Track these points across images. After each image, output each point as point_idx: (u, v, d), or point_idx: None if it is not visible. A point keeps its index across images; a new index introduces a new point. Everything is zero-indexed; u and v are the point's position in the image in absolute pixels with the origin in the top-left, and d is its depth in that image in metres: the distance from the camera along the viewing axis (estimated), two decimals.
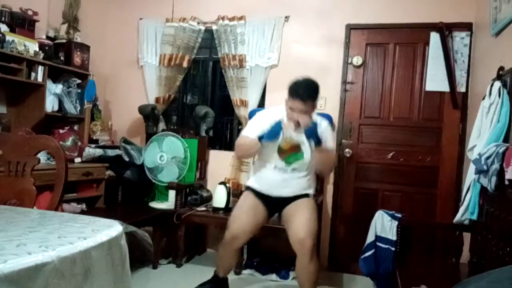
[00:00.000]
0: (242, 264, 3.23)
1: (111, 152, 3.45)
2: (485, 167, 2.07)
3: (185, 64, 3.78)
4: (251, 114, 3.53)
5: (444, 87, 3.19)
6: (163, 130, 3.72)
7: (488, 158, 2.07)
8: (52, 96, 3.28)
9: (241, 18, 3.60)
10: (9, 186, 1.97)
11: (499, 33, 2.52)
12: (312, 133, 2.30)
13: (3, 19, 2.94)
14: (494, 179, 2.00)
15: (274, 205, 2.50)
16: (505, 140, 2.15)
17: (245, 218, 2.47)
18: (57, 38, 3.45)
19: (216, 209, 3.28)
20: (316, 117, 2.45)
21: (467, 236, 2.50)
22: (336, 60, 3.46)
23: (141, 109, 3.72)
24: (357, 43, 3.44)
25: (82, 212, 3.06)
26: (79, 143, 3.41)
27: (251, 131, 2.48)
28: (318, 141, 2.30)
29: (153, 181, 3.56)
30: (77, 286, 1.16)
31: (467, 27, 3.16)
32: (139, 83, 3.96)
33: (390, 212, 2.65)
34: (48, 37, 3.36)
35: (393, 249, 2.51)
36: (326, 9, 3.49)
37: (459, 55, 3.19)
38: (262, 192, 2.51)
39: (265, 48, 3.56)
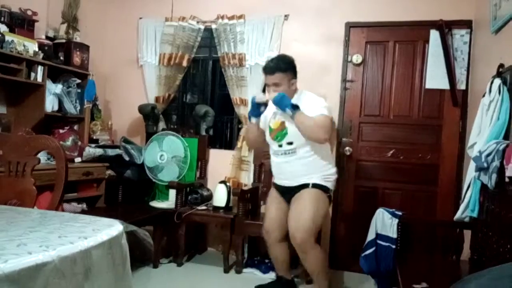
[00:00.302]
0: (243, 263, 3.23)
1: (111, 152, 3.45)
2: (485, 165, 2.07)
3: (184, 63, 3.78)
4: (250, 114, 3.53)
5: (444, 84, 3.19)
6: (163, 130, 3.72)
7: (488, 155, 2.07)
8: (52, 96, 3.29)
9: (240, 17, 3.60)
10: (9, 186, 1.98)
11: (499, 30, 2.51)
12: (282, 102, 2.34)
13: (2, 19, 2.95)
14: (494, 176, 2.00)
15: (286, 195, 2.56)
16: (505, 137, 2.15)
17: (270, 212, 2.66)
18: (56, 38, 3.45)
19: (217, 208, 3.29)
20: (301, 92, 2.54)
21: (467, 234, 2.50)
22: (336, 59, 3.45)
23: (141, 109, 3.72)
24: (356, 41, 3.43)
25: (83, 212, 3.06)
26: (79, 143, 3.41)
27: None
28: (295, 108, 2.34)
29: (154, 180, 3.56)
30: (78, 285, 1.16)
31: (466, 24, 3.16)
32: (139, 82, 3.96)
33: (391, 210, 2.65)
34: (47, 37, 3.36)
35: (393, 247, 2.51)
36: (326, 8, 3.49)
37: (459, 53, 3.18)
38: (276, 183, 2.64)
39: (264, 46, 3.55)
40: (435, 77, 3.23)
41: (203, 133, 3.71)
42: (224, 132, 4.03)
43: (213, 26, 3.70)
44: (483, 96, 2.43)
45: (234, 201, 3.27)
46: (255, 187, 3.47)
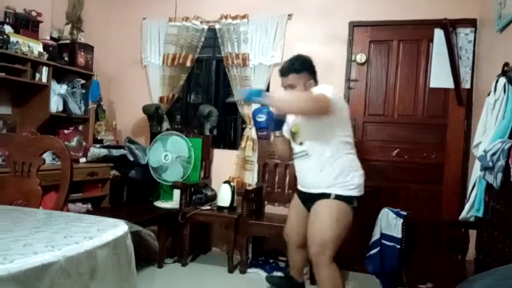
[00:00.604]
0: (247, 263, 3.23)
1: (115, 152, 3.46)
2: (490, 164, 2.06)
3: (188, 64, 3.79)
4: (255, 113, 3.53)
5: (449, 83, 3.17)
6: (167, 130, 3.73)
7: (493, 154, 2.05)
8: (57, 97, 3.30)
9: (244, 16, 3.60)
10: (15, 187, 1.99)
11: (504, 29, 2.50)
12: (250, 96, 2.19)
13: (7, 20, 2.96)
14: (499, 175, 1.98)
15: (307, 203, 2.37)
16: (511, 136, 2.14)
17: (290, 217, 2.53)
18: (61, 38, 3.46)
19: (221, 208, 3.29)
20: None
21: (472, 233, 2.49)
22: (340, 58, 3.45)
23: (145, 109, 3.73)
24: (360, 40, 3.43)
25: (88, 212, 3.07)
26: (84, 143, 3.43)
27: None
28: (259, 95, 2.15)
29: (158, 180, 3.57)
30: (84, 285, 1.17)
31: (471, 23, 3.14)
32: (143, 82, 3.97)
33: (395, 210, 2.65)
34: (52, 38, 3.37)
35: (398, 246, 2.50)
36: (329, 7, 3.49)
37: (463, 52, 3.17)
38: (298, 189, 2.48)
39: (268, 46, 3.55)
40: (440, 76, 3.22)
41: (207, 133, 3.72)
42: (228, 132, 4.04)
43: (217, 26, 3.71)
44: (488, 95, 2.42)
45: (238, 201, 3.27)
46: (259, 187, 3.47)
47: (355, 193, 2.22)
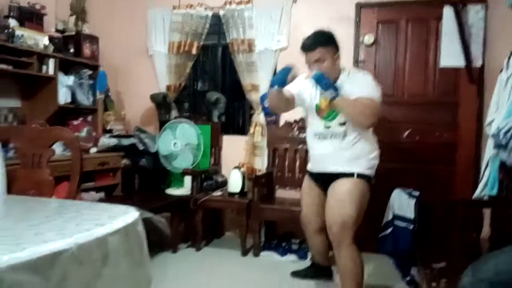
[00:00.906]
0: (260, 246, 3.25)
1: (125, 141, 3.48)
2: (504, 141, 2.02)
3: (194, 51, 3.76)
4: (263, 98, 3.52)
5: (460, 62, 3.10)
6: (175, 118, 3.73)
7: (507, 132, 2.02)
8: (65, 88, 3.32)
9: (248, 1, 3.55)
10: (27, 178, 2.01)
11: None
12: (321, 81, 2.11)
13: (12, 14, 2.96)
14: None
15: (324, 182, 2.34)
16: None
17: (305, 202, 2.52)
18: (66, 30, 3.47)
19: (232, 194, 3.30)
20: (349, 71, 2.32)
21: (487, 212, 2.46)
22: (347, 40, 3.38)
23: (153, 98, 3.73)
24: (367, 21, 3.36)
25: (101, 200, 3.11)
26: (94, 134, 3.45)
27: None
28: (336, 91, 2.12)
29: (168, 168, 3.59)
30: (96, 272, 1.17)
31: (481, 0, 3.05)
32: (150, 72, 3.96)
33: (408, 190, 2.62)
34: (57, 30, 3.38)
35: (411, 227, 2.49)
36: None
37: (474, 29, 3.08)
38: (312, 171, 2.44)
39: (273, 31, 3.51)
40: (450, 55, 3.15)
41: (216, 119, 3.71)
42: (236, 118, 4.03)
43: (221, 12, 3.66)
44: (501, 72, 2.36)
45: (249, 186, 3.27)
46: (270, 172, 3.47)
47: (373, 172, 2.27)
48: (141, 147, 3.47)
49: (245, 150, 3.65)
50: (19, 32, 2.90)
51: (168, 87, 3.83)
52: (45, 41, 3.11)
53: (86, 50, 3.47)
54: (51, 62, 3.15)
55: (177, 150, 3.54)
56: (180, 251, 3.27)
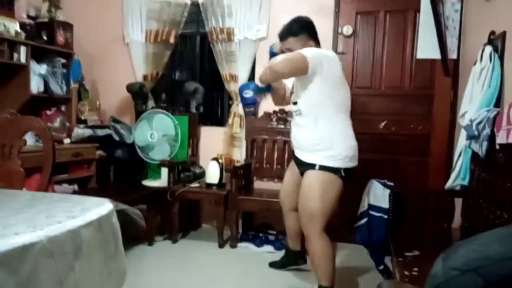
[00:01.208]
0: (237, 238, 3.26)
1: (100, 132, 3.41)
2: (476, 133, 2.07)
3: (172, 40, 3.70)
4: (241, 89, 3.49)
5: (435, 54, 3.14)
6: (152, 108, 3.67)
7: (479, 123, 2.07)
8: (37, 77, 3.22)
9: None
10: None
11: None
12: (249, 88, 2.32)
13: None
14: (485, 144, 2.00)
15: (299, 167, 2.36)
16: (496, 105, 2.14)
17: (284, 181, 2.60)
18: (38, 17, 3.35)
19: (210, 185, 3.28)
20: None
21: (458, 202, 2.53)
22: (326, 31, 3.39)
23: (129, 87, 3.65)
24: (347, 12, 3.37)
25: (74, 193, 3.04)
26: (68, 124, 3.37)
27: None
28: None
29: (145, 159, 3.54)
30: (69, 264, 1.16)
31: None
32: (126, 60, 3.88)
33: (382, 181, 2.66)
34: (29, 16, 3.26)
35: (386, 217, 2.53)
36: None
37: (450, 21, 3.13)
38: (293, 151, 2.44)
39: (253, 20, 3.48)
40: (426, 47, 3.18)
41: (194, 110, 3.67)
42: (215, 109, 4.00)
43: (200, 0, 3.60)
44: (474, 64, 2.41)
45: (227, 177, 3.26)
46: (248, 163, 3.46)
47: (340, 164, 2.17)
48: (116, 138, 3.41)
49: (223, 141, 3.64)
50: None
51: (145, 77, 3.76)
52: (16, 27, 3.00)
53: (60, 37, 3.36)
54: (23, 50, 3.04)
55: (154, 141, 3.49)
56: (156, 244, 3.24)
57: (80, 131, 3.29)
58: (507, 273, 0.94)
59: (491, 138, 1.96)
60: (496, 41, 2.26)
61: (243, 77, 3.52)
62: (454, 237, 2.33)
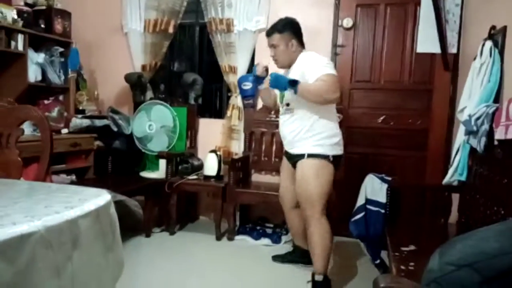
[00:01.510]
0: (235, 230, 3.27)
1: (98, 122, 3.39)
2: (475, 128, 2.08)
3: (170, 30, 3.67)
4: (241, 81, 3.47)
5: (435, 48, 3.13)
6: (151, 99, 3.65)
7: (478, 119, 2.07)
8: (35, 66, 3.18)
9: None
10: None
11: None
12: (279, 83, 2.33)
13: None
14: (483, 139, 2.00)
15: (291, 162, 2.52)
16: (495, 100, 2.14)
17: (282, 179, 2.69)
18: (36, 4, 3.30)
19: (208, 177, 3.28)
20: (304, 54, 2.46)
21: (455, 197, 2.53)
22: (326, 23, 3.38)
23: (128, 78, 3.63)
24: (347, 4, 3.35)
25: (72, 183, 3.03)
26: (65, 114, 3.35)
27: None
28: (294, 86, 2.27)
29: (143, 150, 3.53)
30: (66, 255, 1.15)
31: None
32: (124, 50, 3.85)
33: (380, 175, 2.67)
34: (26, 4, 3.22)
35: (383, 211, 2.54)
36: None
37: (450, 15, 3.12)
38: (284, 149, 2.60)
39: (253, 11, 3.45)
40: (426, 41, 3.17)
41: (192, 102, 3.66)
42: (213, 101, 3.98)
43: None
44: (474, 59, 2.40)
45: (225, 170, 3.26)
46: (246, 156, 3.46)
47: (327, 150, 2.34)
48: (115, 129, 3.40)
49: (221, 134, 3.63)
50: None
51: (143, 67, 3.74)
52: (14, 15, 2.96)
53: (58, 26, 3.33)
54: (20, 38, 3.00)
55: (152, 132, 3.48)
56: (154, 235, 3.25)
57: (78, 121, 3.27)
58: (504, 268, 0.95)
59: (490, 133, 1.96)
60: (496, 36, 2.26)
61: (242, 69, 3.50)
62: (451, 232, 2.34)
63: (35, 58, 3.18)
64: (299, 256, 2.78)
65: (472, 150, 2.27)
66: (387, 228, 2.31)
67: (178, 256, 2.87)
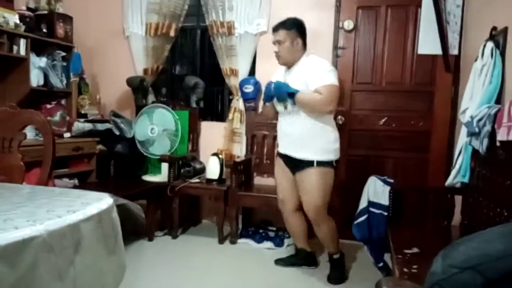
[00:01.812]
0: (237, 234, 3.26)
1: (100, 126, 3.40)
2: (477, 130, 2.07)
3: (172, 33, 3.68)
4: (242, 84, 3.49)
5: (437, 50, 3.13)
6: (152, 102, 3.66)
7: (480, 120, 2.06)
8: (37, 70, 3.20)
9: None
10: None
11: None
12: (280, 92, 2.41)
13: None
14: (485, 141, 2.00)
15: (291, 166, 2.56)
16: (497, 101, 2.14)
17: (281, 183, 2.68)
18: (38, 9, 3.32)
19: (210, 181, 3.28)
20: (307, 57, 2.52)
21: (458, 199, 2.52)
22: (327, 25, 3.38)
23: (129, 81, 3.64)
24: (348, 6, 3.35)
25: (74, 187, 3.04)
26: (68, 118, 3.35)
27: None
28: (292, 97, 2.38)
29: (145, 154, 3.54)
30: (68, 259, 1.15)
31: None
32: (126, 54, 3.86)
33: (383, 178, 2.66)
34: (28, 8, 3.24)
35: (385, 214, 2.53)
36: None
37: (451, 17, 3.11)
38: (280, 152, 2.63)
39: (254, 14, 3.46)
40: (428, 43, 3.17)
41: (194, 105, 3.66)
42: (215, 104, 3.98)
43: None
44: (476, 60, 2.40)
45: (227, 173, 3.26)
46: (248, 159, 3.46)
47: (332, 156, 2.47)
48: (117, 132, 3.40)
49: (223, 137, 3.63)
50: None
51: (145, 71, 3.75)
52: (16, 19, 2.97)
53: (60, 30, 3.34)
54: (23, 42, 3.02)
55: (154, 135, 3.49)
56: (156, 239, 3.24)
57: (80, 125, 3.28)
58: (507, 270, 0.94)
59: (492, 135, 1.96)
60: (497, 37, 2.25)
61: (243, 72, 3.51)
62: (454, 235, 2.33)
63: (37, 63, 3.20)
64: (302, 258, 2.78)
65: (475, 152, 2.26)
66: (390, 231, 2.30)
67: (180, 260, 2.87)
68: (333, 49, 3.38)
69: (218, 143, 3.63)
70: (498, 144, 1.89)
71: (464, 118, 2.39)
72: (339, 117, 3.35)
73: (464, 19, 3.08)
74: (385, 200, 2.55)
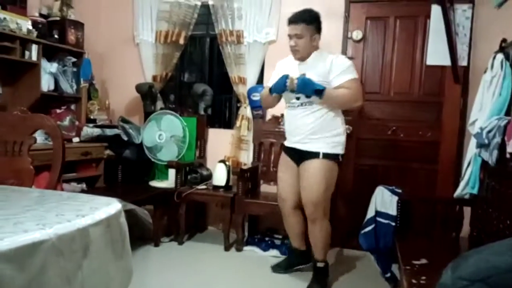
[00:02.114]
0: (243, 241, 3.25)
1: (109, 132, 3.42)
2: (486, 141, 2.06)
3: (181, 41, 3.71)
4: (250, 92, 3.50)
5: (445, 61, 3.13)
6: (161, 109, 3.69)
7: (489, 132, 2.05)
8: (48, 75, 3.24)
9: None
10: (6, 166, 1.97)
11: (502, 4, 2.46)
12: (306, 88, 2.30)
13: None
14: (495, 152, 1.99)
15: (296, 158, 2.53)
16: (507, 113, 2.13)
17: (283, 179, 2.65)
18: (50, 15, 3.38)
19: (216, 187, 3.29)
20: (321, 52, 2.47)
21: (467, 211, 2.50)
22: (336, 35, 3.39)
23: (139, 88, 3.67)
24: (357, 17, 3.37)
25: (82, 192, 3.06)
26: (77, 123, 3.39)
27: (270, 81, 2.60)
28: (318, 92, 2.30)
29: (153, 160, 3.55)
30: (77, 263, 1.16)
31: None
32: (136, 61, 3.90)
33: (390, 187, 2.65)
34: (41, 15, 3.29)
35: (393, 224, 2.51)
36: None
37: (460, 28, 3.11)
38: (287, 146, 2.60)
39: (263, 23, 3.48)
40: (436, 54, 3.17)
41: (202, 112, 3.68)
42: (223, 111, 4.00)
43: (210, 2, 3.62)
44: (485, 72, 2.40)
45: (234, 180, 3.26)
46: (255, 166, 3.46)
47: (339, 150, 2.46)
48: (125, 138, 3.43)
49: (231, 144, 3.64)
50: (1, 15, 2.81)
51: (154, 77, 3.78)
52: (28, 25, 3.02)
53: (71, 36, 3.39)
54: (34, 48, 3.06)
55: (162, 142, 3.50)
56: (162, 245, 3.24)
57: (89, 130, 3.31)
58: None
59: (502, 146, 1.95)
60: (507, 48, 2.25)
61: (251, 80, 3.52)
62: (463, 246, 2.31)
63: (48, 68, 3.24)
64: (297, 256, 2.77)
65: (484, 163, 2.25)
66: (397, 241, 2.29)
67: (186, 266, 2.86)
68: None
69: (225, 150, 3.64)
70: (508, 156, 1.88)
71: (473, 129, 2.38)
72: (347, 126, 3.33)
73: (473, 30, 3.07)
74: (392, 210, 2.53)
